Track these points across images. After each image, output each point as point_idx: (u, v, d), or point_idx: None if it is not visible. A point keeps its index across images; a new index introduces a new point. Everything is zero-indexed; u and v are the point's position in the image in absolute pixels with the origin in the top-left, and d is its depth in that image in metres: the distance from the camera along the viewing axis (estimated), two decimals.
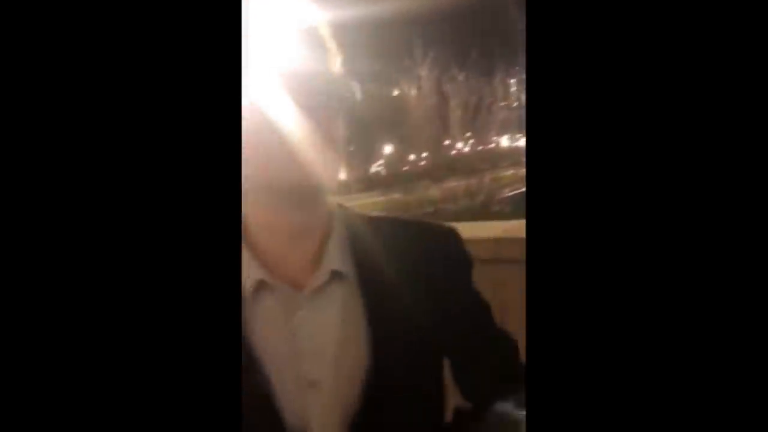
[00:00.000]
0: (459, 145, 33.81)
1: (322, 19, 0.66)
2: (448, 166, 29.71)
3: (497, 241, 1.73)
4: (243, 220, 0.67)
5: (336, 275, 0.67)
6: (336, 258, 0.68)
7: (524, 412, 0.61)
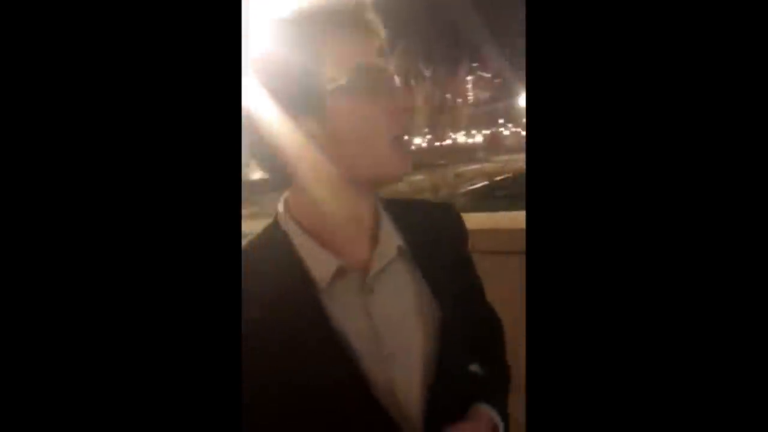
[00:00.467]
0: (417, 140, 34.04)
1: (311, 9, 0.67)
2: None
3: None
4: (311, 214, 0.70)
5: (400, 251, 0.71)
6: (395, 235, 0.72)
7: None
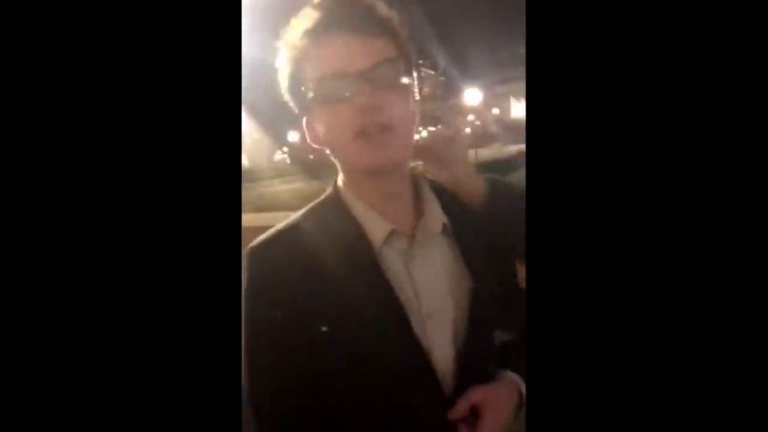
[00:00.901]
0: None
1: None
2: None
3: None
4: (361, 191, 0.80)
5: (444, 228, 0.81)
6: (440, 213, 0.82)
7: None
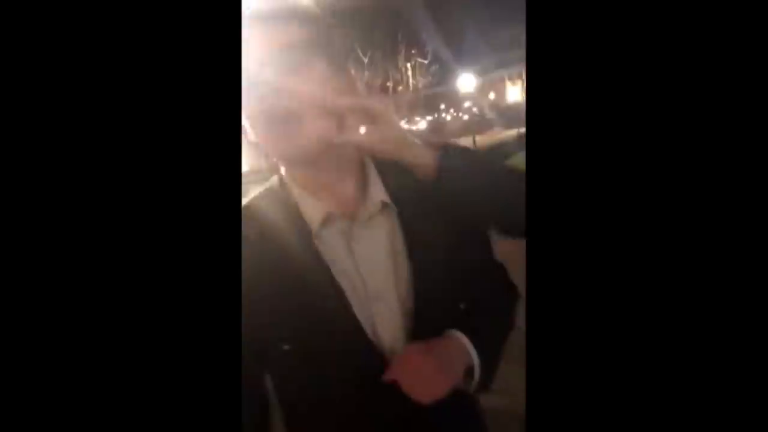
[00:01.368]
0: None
1: None
2: None
3: None
4: (303, 174, 0.80)
5: (384, 206, 0.81)
6: (381, 191, 0.82)
7: None
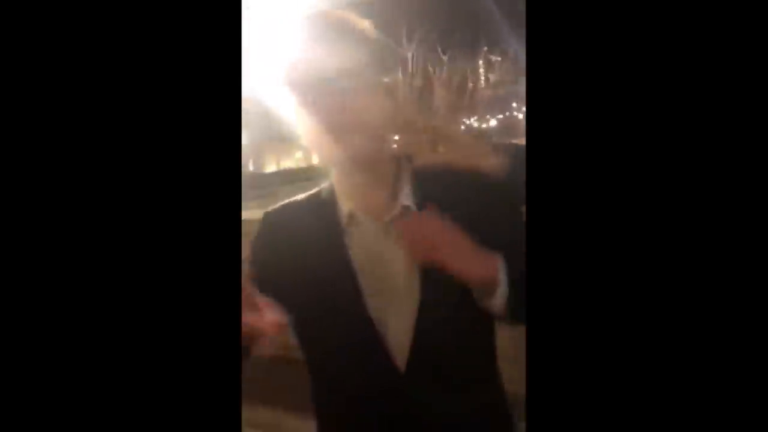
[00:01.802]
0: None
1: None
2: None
3: None
4: (340, 181, 0.91)
5: (406, 209, 0.87)
6: (407, 196, 0.89)
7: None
